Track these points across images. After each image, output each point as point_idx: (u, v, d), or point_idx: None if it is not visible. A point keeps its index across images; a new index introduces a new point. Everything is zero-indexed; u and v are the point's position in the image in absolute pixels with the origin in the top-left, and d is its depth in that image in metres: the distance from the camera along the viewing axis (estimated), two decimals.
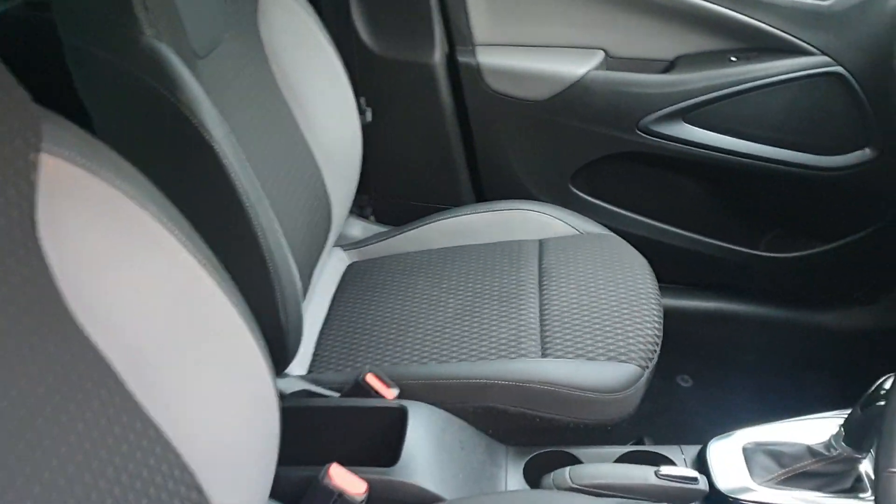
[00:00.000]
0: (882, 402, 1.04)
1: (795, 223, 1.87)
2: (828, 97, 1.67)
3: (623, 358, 1.31)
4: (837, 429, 1.12)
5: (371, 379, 1.26)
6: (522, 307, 1.43)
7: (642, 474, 1.12)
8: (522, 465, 1.28)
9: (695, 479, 1.11)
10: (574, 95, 1.72)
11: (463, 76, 1.75)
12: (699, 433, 1.79)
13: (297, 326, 1.25)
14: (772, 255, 1.87)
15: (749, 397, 1.85)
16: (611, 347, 1.32)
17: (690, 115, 1.72)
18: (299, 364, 1.39)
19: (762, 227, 1.89)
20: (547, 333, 1.36)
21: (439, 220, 1.69)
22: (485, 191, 1.87)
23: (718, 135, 1.73)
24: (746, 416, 1.80)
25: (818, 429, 1.21)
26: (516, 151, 1.82)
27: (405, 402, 1.23)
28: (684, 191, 1.87)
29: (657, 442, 1.44)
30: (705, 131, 1.73)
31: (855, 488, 1.13)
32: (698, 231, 1.86)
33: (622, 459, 1.27)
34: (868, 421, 1.07)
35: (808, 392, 1.82)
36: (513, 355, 1.32)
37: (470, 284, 1.52)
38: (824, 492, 1.13)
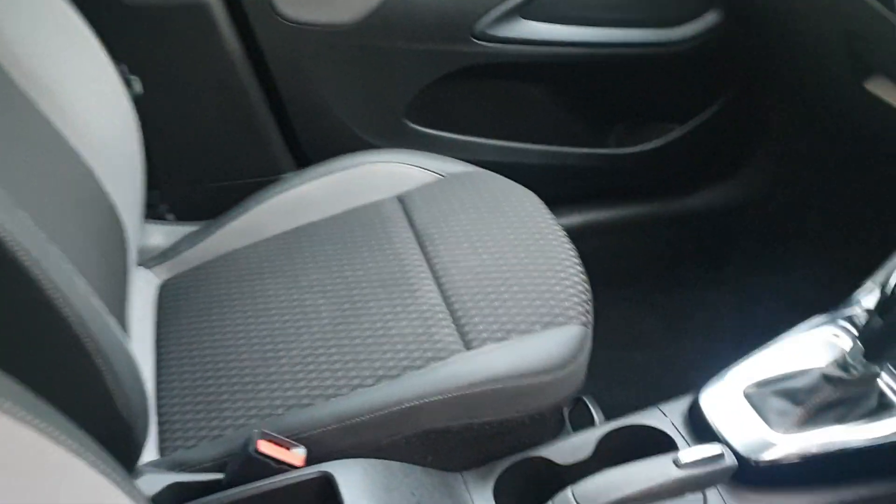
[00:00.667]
0: None
1: (653, 109, 1.69)
2: None
3: (561, 319, 1.04)
4: (853, 344, 0.92)
5: (266, 446, 0.90)
6: (416, 290, 1.11)
7: (660, 470, 0.86)
8: (490, 491, 0.98)
9: (720, 456, 0.87)
10: (391, 10, 1.39)
11: (248, 9, 1.35)
12: (652, 375, 1.61)
13: (143, 406, 0.86)
14: (633, 150, 1.68)
15: (670, 311, 1.68)
16: (542, 311, 1.05)
17: (528, 9, 1.45)
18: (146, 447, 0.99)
19: (617, 120, 1.69)
20: (461, 317, 1.05)
21: (264, 200, 1.31)
22: (306, 151, 1.50)
23: (562, 26, 1.48)
24: (691, 329, 1.70)
25: (811, 346, 1.02)
26: (334, 94, 1.46)
27: (325, 466, 0.89)
28: (536, 101, 1.61)
29: (605, 400, 1.21)
30: (548, 25, 1.48)
31: (883, 406, 0.96)
32: (559, 142, 1.62)
33: (603, 447, 1.01)
34: (892, 329, 0.88)
35: (713, 285, 1.68)
36: (433, 360, 1.00)
37: (336, 274, 1.17)
38: (850, 421, 0.95)
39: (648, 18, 1.53)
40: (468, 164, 1.36)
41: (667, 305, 1.75)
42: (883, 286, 0.89)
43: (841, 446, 0.93)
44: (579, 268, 1.12)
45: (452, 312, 1.06)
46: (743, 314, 1.70)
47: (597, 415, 1.18)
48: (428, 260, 1.16)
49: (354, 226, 1.25)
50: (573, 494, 0.85)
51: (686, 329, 1.71)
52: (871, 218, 1.60)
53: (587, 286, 1.11)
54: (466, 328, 1.04)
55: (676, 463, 0.86)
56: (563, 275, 1.10)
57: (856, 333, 1.01)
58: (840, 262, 1.69)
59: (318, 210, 1.30)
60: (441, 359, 1.00)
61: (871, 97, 1.30)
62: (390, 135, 1.50)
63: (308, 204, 1.31)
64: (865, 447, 0.92)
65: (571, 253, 1.15)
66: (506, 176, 1.32)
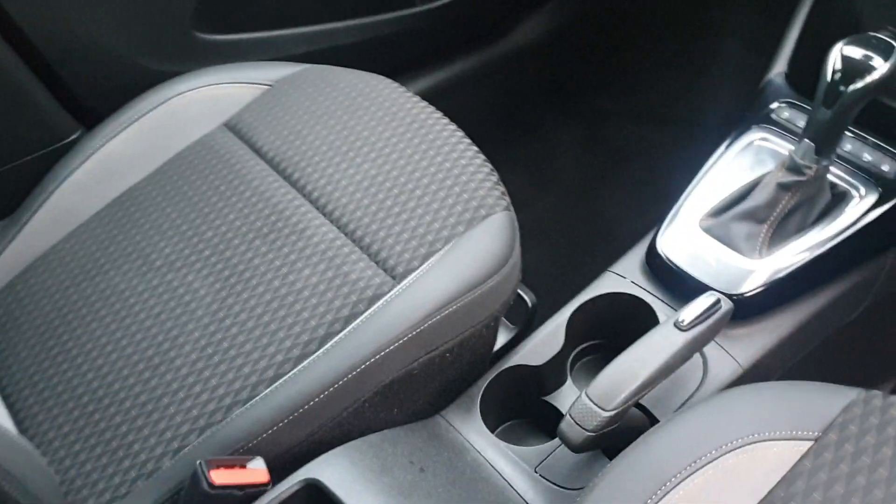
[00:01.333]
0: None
1: None
2: None
3: (483, 212, 0.90)
4: (801, 143, 0.86)
5: (220, 475, 0.71)
6: (305, 230, 0.91)
7: (667, 341, 0.77)
8: (480, 421, 0.86)
9: (717, 303, 0.79)
10: None
11: None
12: (568, 237, 1.49)
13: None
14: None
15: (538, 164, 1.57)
16: (460, 210, 0.90)
17: None
18: None
19: None
20: (372, 245, 0.88)
21: (63, 177, 1.03)
22: (87, 103, 1.19)
23: None
24: (568, 178, 1.60)
25: (749, 159, 0.95)
26: (98, 20, 1.16)
27: (306, 472, 0.72)
28: None
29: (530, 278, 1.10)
30: None
31: (836, 196, 0.91)
32: (369, 11, 1.42)
33: (571, 332, 0.91)
34: (838, 119, 0.82)
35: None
36: (365, 307, 0.83)
37: (195, 240, 0.95)
38: (812, 221, 0.90)
39: None
40: (291, 63, 1.14)
41: (530, 158, 1.65)
42: (824, 75, 0.81)
43: (817, 251, 0.87)
44: (474, 148, 0.98)
45: (361, 245, 0.89)
46: (607, 140, 1.64)
47: (528, 298, 1.07)
48: (300, 189, 0.96)
49: (188, 174, 1.01)
50: (589, 398, 0.74)
51: (561, 180, 1.63)
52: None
53: (490, 164, 0.97)
54: (385, 257, 0.87)
55: (679, 326, 0.77)
56: (463, 161, 0.95)
57: (785, 132, 0.96)
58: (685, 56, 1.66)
59: (135, 169, 1.04)
60: (374, 302, 0.83)
61: None
62: (183, 55, 1.23)
63: (119, 166, 1.05)
64: (836, 245, 0.88)
65: (459, 134, 0.99)
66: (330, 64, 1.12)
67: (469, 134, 0.99)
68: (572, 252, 1.48)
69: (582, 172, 1.65)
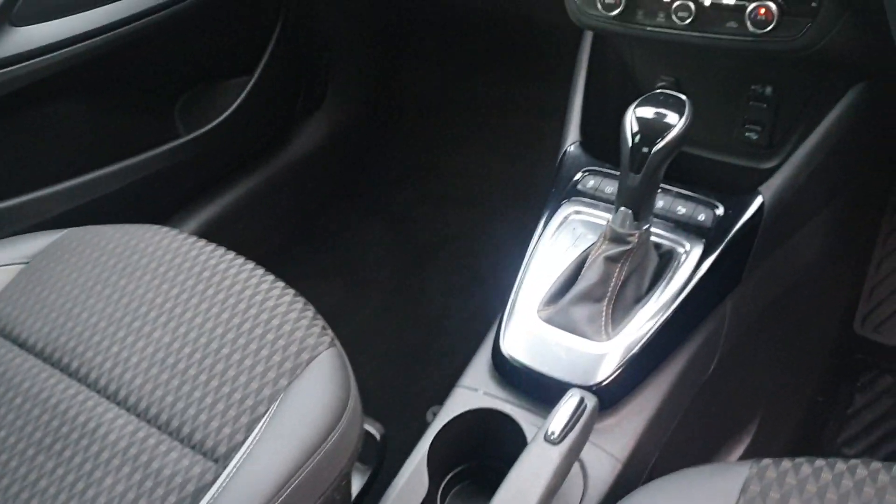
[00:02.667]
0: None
1: (216, 71, 1.42)
2: None
3: (306, 356, 0.79)
4: (618, 211, 0.82)
5: None
6: (98, 427, 0.76)
7: (542, 460, 0.69)
8: None
9: (582, 402, 0.72)
10: None
11: None
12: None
13: None
14: (212, 124, 1.40)
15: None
16: (278, 360, 0.79)
17: (16, 13, 1.08)
18: None
19: (178, 97, 1.40)
20: (182, 426, 0.75)
21: None
22: None
23: (66, 19, 1.13)
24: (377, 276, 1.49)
25: (567, 238, 0.91)
26: None
27: None
28: (75, 118, 1.24)
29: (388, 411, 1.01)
30: (48, 24, 1.11)
31: (663, 256, 0.88)
32: (135, 150, 1.28)
33: (433, 462, 0.81)
34: (648, 181, 0.79)
35: None
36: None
37: None
38: (648, 287, 0.86)
39: None
40: (47, 231, 0.99)
41: (341, 265, 1.56)
42: (624, 140, 0.78)
43: (661, 318, 0.83)
44: (280, 284, 0.87)
45: (169, 430, 0.75)
46: (415, 230, 1.58)
47: (376, 430, 0.97)
48: (82, 379, 0.81)
49: None
50: None
51: (377, 281, 1.54)
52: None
53: (301, 297, 0.86)
54: (201, 439, 0.73)
55: (550, 440, 0.69)
56: (270, 303, 0.84)
57: (596, 201, 0.92)
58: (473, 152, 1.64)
59: None
60: (199, 499, 0.69)
61: None
62: None
63: None
64: (677, 307, 0.84)
65: (259, 272, 0.88)
66: (92, 222, 0.99)
67: (270, 255, 0.89)
68: (406, 358, 1.39)
69: (397, 269, 1.58)
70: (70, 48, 1.14)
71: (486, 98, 1.68)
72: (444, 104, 1.71)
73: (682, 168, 0.87)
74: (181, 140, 1.35)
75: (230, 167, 1.47)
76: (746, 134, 0.99)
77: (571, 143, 0.99)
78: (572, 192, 0.94)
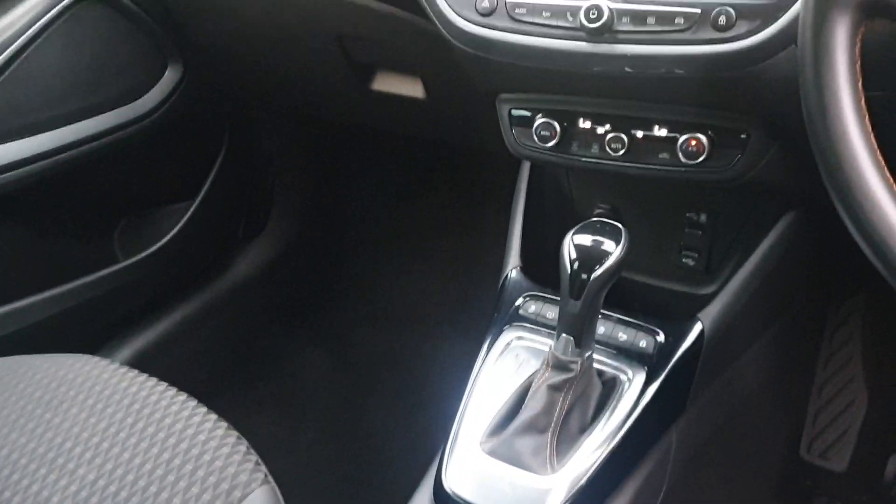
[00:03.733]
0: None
1: (154, 196, 1.41)
2: (100, 28, 1.21)
3: (239, 493, 0.76)
4: (559, 338, 0.81)
5: None
6: None
7: None
8: None
9: None
10: None
11: None
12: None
13: None
14: (150, 250, 1.38)
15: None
16: (212, 497, 0.75)
17: None
18: None
19: (115, 223, 1.38)
20: None
21: None
22: None
23: (7, 144, 1.13)
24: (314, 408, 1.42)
25: (508, 366, 0.90)
26: None
27: None
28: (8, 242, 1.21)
29: None
30: None
31: (607, 383, 0.87)
32: (64, 278, 1.25)
33: None
34: (588, 308, 0.79)
35: None
36: None
37: None
38: (592, 416, 0.84)
39: (102, 102, 1.24)
40: None
41: (278, 393, 1.51)
42: (563, 268, 0.78)
43: (607, 449, 0.81)
44: (212, 416, 0.83)
45: None
46: (355, 355, 1.55)
47: None
48: None
49: None
50: None
51: (315, 411, 1.49)
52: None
53: (236, 432, 0.83)
54: None
55: None
56: (202, 437, 0.80)
57: (538, 326, 0.92)
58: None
59: None
60: None
61: (377, 94, 1.22)
62: None
63: None
64: (623, 437, 0.83)
65: (191, 404, 0.85)
66: (22, 351, 0.95)
67: (205, 384, 0.86)
68: (345, 493, 1.33)
69: (335, 397, 1.54)
70: (8, 174, 1.13)
71: (426, 219, 1.70)
72: (384, 226, 1.72)
73: (623, 294, 0.88)
74: (119, 266, 1.33)
75: (168, 293, 1.44)
76: (683, 260, 1.00)
77: (512, 267, 0.99)
78: (514, 318, 0.94)
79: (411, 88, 1.17)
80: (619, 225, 0.80)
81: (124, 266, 1.34)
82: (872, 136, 0.53)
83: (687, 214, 0.99)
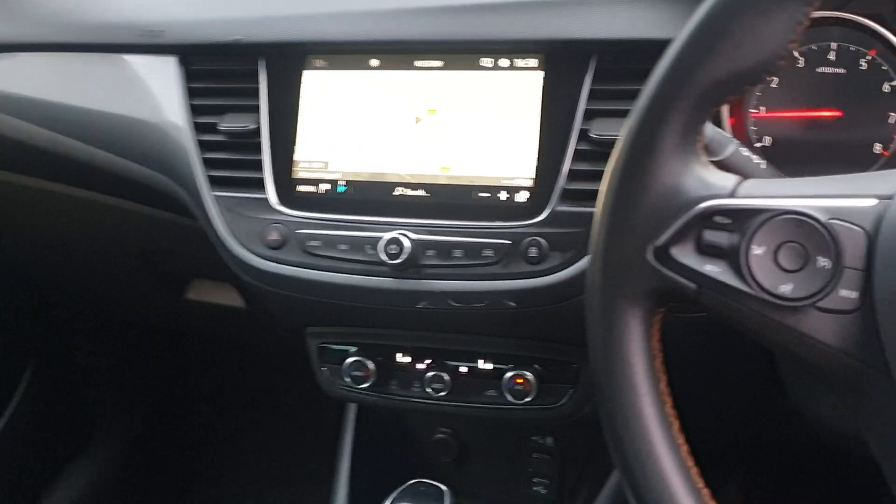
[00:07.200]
0: None
1: None
2: None
3: None
4: None
5: None
6: None
7: None
8: None
9: None
10: None
11: None
12: None
13: None
14: None
15: None
16: None
17: None
18: None
19: None
20: None
21: None
22: None
23: None
24: None
25: None
26: None
27: None
28: None
29: None
30: None
31: None
32: None
33: None
34: None
35: None
36: None
37: None
38: None
39: None
40: None
41: None
42: None
43: None
44: None
45: None
46: None
47: None
48: None
49: None
50: None
51: None
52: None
53: None
54: None
55: None
56: None
57: None
58: None
59: None
60: None
61: (193, 304, 1.10)
62: None
63: None
64: None
65: None
66: None
67: None
68: None
69: None
70: None
71: (273, 433, 1.54)
72: (227, 442, 1.55)
73: None
74: None
75: None
76: (535, 488, 0.90)
77: None
78: None
79: (229, 297, 1.05)
80: (444, 487, 0.69)
81: None
82: (679, 438, 0.44)
83: (532, 438, 0.89)
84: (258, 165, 0.75)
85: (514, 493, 0.90)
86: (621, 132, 0.45)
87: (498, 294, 0.68)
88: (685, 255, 0.43)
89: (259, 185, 0.75)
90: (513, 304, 0.69)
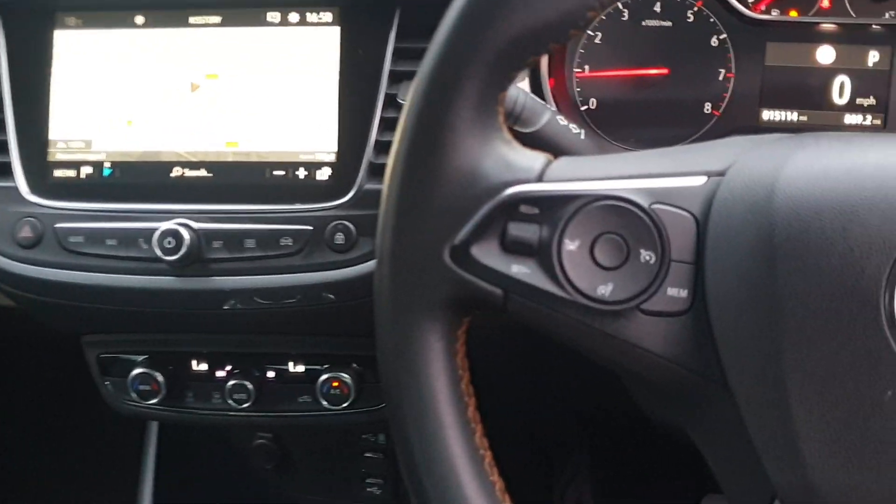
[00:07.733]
0: None
1: None
2: None
3: None
4: None
5: None
6: None
7: None
8: None
9: None
10: None
11: None
12: None
13: None
14: None
15: None
16: None
17: None
18: None
19: None
20: None
21: None
22: None
23: None
24: None
25: None
26: None
27: None
28: None
29: None
30: None
31: None
32: None
33: None
34: None
35: None
36: None
37: None
38: None
39: None
40: None
41: None
42: None
43: None
44: None
45: None
46: None
47: None
48: None
49: None
50: None
51: None
52: None
53: None
54: None
55: None
56: None
57: None
58: None
59: None
60: None
61: None
62: None
63: None
64: None
65: None
66: None
67: None
68: None
69: None
70: None
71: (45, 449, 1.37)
72: None
73: None
74: None
75: None
76: (368, 490, 0.82)
77: None
78: None
79: None
80: None
81: None
82: (493, 475, 0.36)
83: (363, 436, 0.81)
84: (3, 147, 0.62)
85: (345, 497, 0.83)
86: (404, 107, 0.36)
87: (309, 288, 0.59)
88: (488, 254, 0.35)
89: (5, 170, 0.62)
90: (332, 296, 0.60)
